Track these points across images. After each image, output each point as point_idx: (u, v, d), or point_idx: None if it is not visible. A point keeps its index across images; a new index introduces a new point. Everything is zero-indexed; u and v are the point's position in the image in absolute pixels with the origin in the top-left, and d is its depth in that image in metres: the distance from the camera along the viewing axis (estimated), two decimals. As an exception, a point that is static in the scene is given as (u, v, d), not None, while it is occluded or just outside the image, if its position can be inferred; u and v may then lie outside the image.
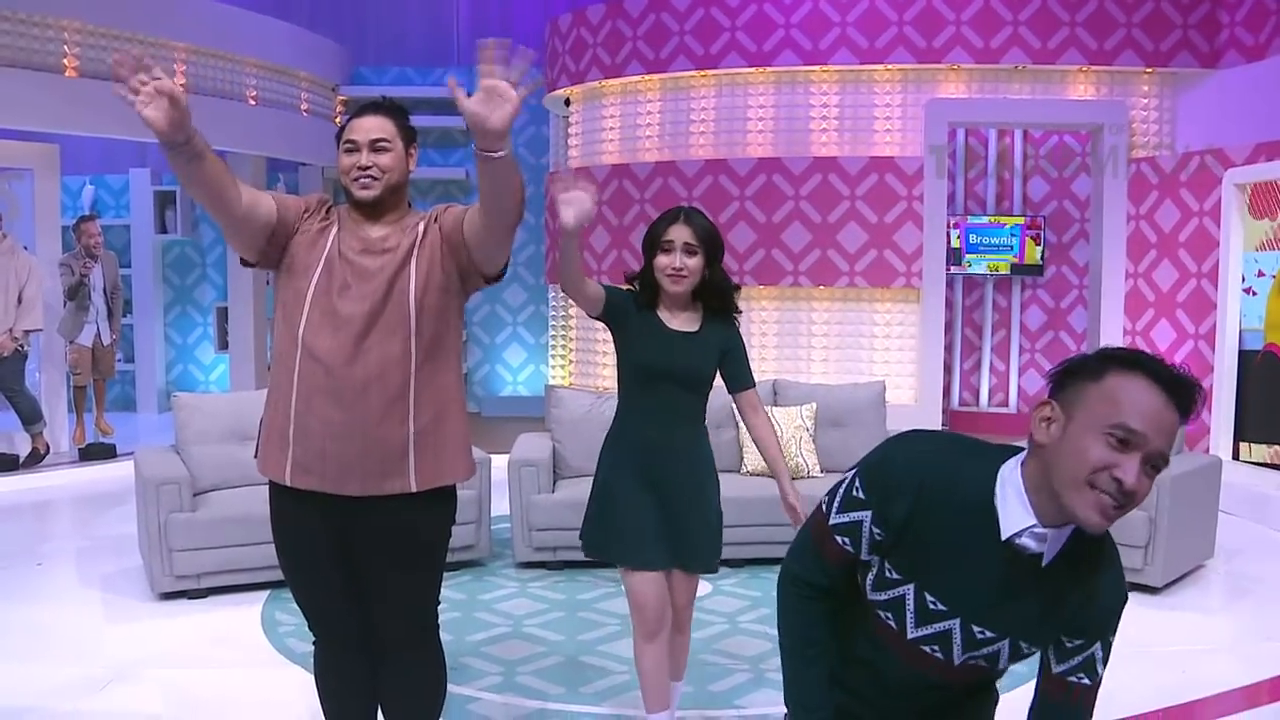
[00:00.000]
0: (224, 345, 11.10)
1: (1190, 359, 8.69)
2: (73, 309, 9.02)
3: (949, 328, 10.12)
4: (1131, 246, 9.18)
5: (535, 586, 5.70)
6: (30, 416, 8.47)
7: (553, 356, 11.46)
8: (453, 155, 11.92)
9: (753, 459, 6.26)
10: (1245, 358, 8.10)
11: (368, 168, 2.93)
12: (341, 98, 11.59)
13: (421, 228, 3.00)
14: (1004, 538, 1.96)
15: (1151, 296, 9.05)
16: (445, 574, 3.23)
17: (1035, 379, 10.33)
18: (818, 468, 6.31)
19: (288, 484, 2.96)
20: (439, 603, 3.18)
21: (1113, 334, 9.16)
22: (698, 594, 3.80)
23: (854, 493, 2.08)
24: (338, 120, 11.41)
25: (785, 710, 2.26)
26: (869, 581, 2.14)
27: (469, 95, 2.51)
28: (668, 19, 9.58)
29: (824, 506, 2.15)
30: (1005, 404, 10.43)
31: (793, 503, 3.58)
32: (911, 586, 2.07)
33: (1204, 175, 8.55)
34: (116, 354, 9.72)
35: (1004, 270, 10.05)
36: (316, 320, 2.91)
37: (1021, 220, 10.00)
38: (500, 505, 6.22)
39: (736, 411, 3.84)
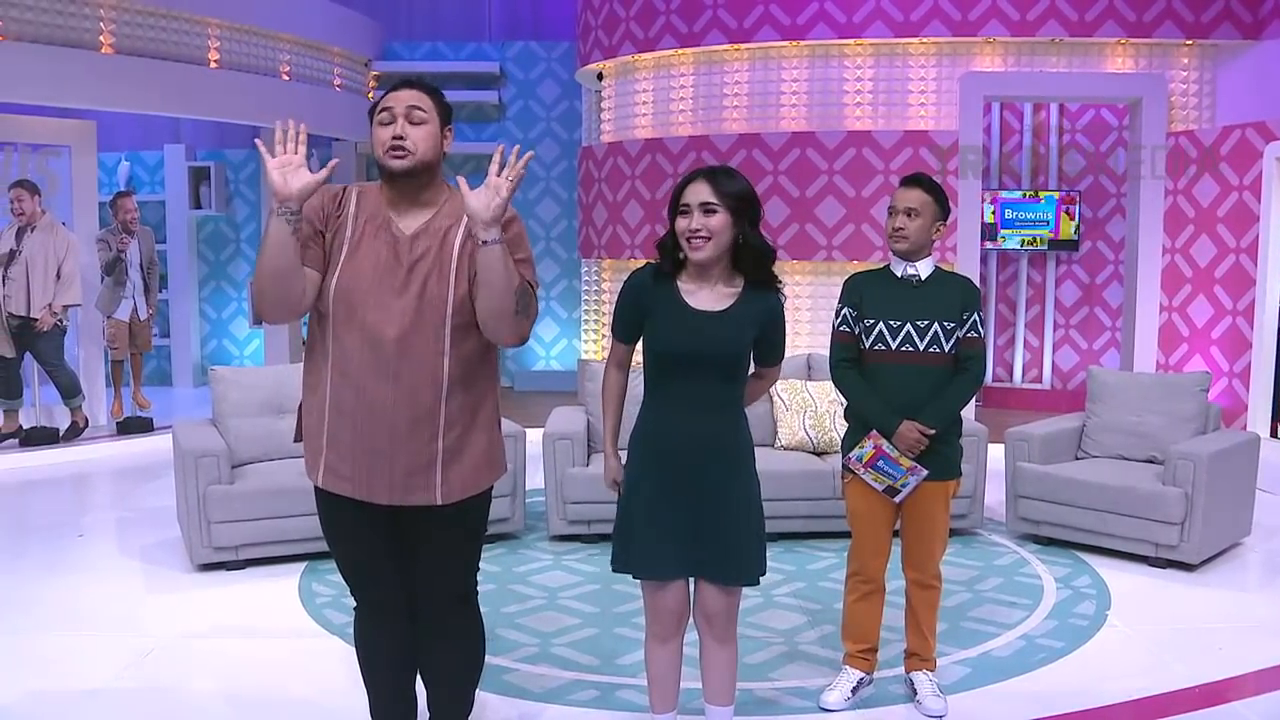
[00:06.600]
0: (259, 320, 11.15)
1: (1228, 335, 8.60)
2: (110, 284, 9.10)
3: (982, 303, 10.03)
4: (1169, 221, 9.07)
5: (570, 559, 5.73)
6: (69, 390, 8.58)
7: (585, 331, 11.47)
8: (485, 130, 11.91)
9: (786, 433, 6.25)
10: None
11: (402, 138, 2.87)
12: (374, 73, 11.61)
13: (462, 231, 2.92)
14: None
15: (1189, 272, 8.96)
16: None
17: (1070, 355, 10.25)
18: (851, 443, 6.28)
19: (320, 485, 3.00)
20: (478, 570, 3.22)
21: (1149, 309, 9.06)
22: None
23: None
24: (370, 95, 11.43)
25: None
26: None
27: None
28: (701, -8, 9.53)
29: None
30: (1039, 380, 10.36)
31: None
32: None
33: (1244, 149, 8.44)
34: (153, 328, 9.80)
35: (1040, 245, 9.97)
36: (345, 334, 2.89)
37: (1057, 194, 9.91)
38: (535, 479, 6.25)
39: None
